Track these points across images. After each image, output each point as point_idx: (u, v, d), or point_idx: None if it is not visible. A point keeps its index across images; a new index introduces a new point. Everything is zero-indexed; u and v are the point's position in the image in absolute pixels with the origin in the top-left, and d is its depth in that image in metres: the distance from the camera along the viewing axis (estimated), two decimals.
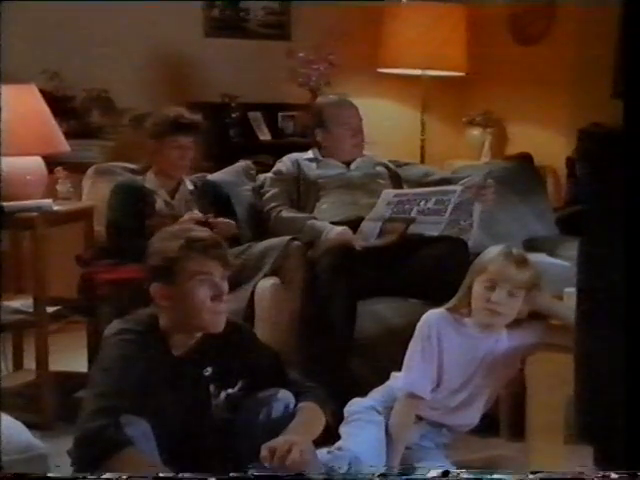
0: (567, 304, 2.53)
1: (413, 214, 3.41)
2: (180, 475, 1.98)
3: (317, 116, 3.91)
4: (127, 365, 2.27)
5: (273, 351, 2.59)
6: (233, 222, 3.55)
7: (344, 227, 3.49)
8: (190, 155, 3.64)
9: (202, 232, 2.42)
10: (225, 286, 2.37)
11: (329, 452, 2.60)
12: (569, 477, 1.84)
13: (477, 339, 2.76)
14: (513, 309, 2.72)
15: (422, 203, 3.40)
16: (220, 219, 3.47)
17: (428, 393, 2.74)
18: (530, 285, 2.71)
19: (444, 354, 2.74)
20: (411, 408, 2.76)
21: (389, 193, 3.47)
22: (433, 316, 2.79)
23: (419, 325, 2.79)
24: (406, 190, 3.69)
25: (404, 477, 2.07)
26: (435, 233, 3.43)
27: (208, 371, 2.42)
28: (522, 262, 2.72)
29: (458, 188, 3.41)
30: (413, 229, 3.44)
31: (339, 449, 2.63)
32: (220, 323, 2.37)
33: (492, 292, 2.68)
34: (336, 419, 2.64)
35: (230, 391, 2.48)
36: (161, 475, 2.01)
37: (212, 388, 2.44)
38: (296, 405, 2.44)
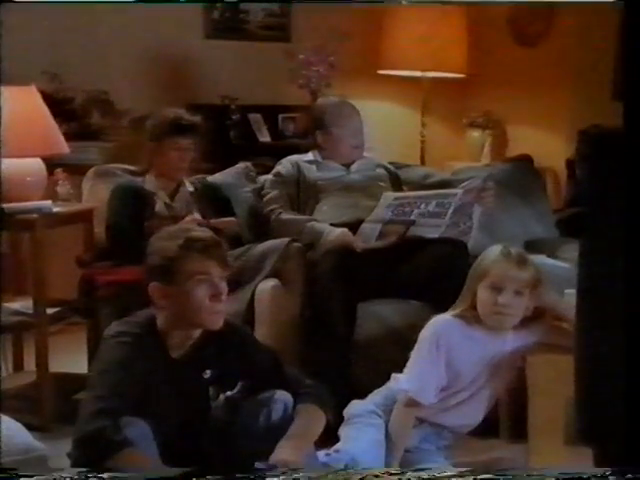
0: (571, 302, 2.54)
1: (413, 217, 3.40)
2: (180, 476, 1.98)
3: (317, 118, 3.90)
4: (125, 367, 2.27)
5: (272, 352, 2.59)
6: (234, 219, 3.56)
7: (344, 229, 3.48)
8: (190, 157, 3.63)
9: (201, 232, 2.41)
10: (224, 286, 2.37)
11: (327, 454, 2.59)
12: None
13: (485, 342, 2.75)
14: (520, 308, 2.72)
15: (422, 206, 3.39)
16: (221, 219, 3.48)
17: (432, 400, 2.73)
18: (534, 282, 2.72)
19: (454, 360, 2.72)
20: (412, 412, 2.75)
21: (389, 196, 3.47)
22: (440, 322, 2.76)
23: (425, 331, 2.76)
24: (407, 193, 3.68)
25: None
26: (435, 236, 3.42)
27: (207, 373, 2.42)
28: (523, 261, 2.72)
29: (459, 191, 3.40)
30: (413, 232, 3.42)
31: (336, 451, 2.62)
32: (218, 321, 2.37)
33: (498, 295, 2.68)
34: (336, 420, 2.64)
35: (229, 393, 2.48)
36: (161, 475, 2.01)
37: (211, 390, 2.44)
38: (295, 405, 2.43)
